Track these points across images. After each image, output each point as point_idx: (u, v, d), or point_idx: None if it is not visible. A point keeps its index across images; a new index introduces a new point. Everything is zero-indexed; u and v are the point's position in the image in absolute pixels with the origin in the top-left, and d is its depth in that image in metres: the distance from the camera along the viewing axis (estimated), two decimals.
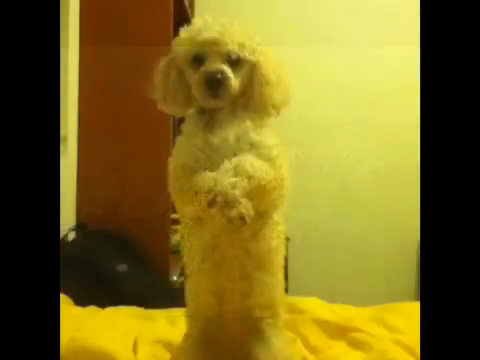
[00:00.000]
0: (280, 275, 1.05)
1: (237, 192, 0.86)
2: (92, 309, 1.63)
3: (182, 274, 2.03)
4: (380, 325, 1.46)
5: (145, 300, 1.80)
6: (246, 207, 0.87)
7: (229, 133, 0.96)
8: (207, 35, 0.95)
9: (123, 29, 2.18)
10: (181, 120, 1.09)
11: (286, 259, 1.09)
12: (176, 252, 2.05)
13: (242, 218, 0.86)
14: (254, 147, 0.96)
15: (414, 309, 1.42)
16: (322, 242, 3.33)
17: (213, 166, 0.92)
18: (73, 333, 1.30)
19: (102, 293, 1.81)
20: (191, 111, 1.04)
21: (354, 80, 3.31)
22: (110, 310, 1.62)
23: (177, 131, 2.05)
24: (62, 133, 1.96)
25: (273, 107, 1.01)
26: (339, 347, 1.34)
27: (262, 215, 0.97)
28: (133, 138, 2.18)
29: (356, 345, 1.32)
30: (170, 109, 1.04)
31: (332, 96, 3.31)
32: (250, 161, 0.91)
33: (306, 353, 1.30)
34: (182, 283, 1.67)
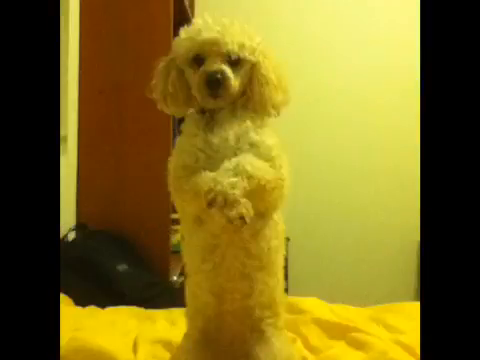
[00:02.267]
0: (280, 275, 1.05)
1: (237, 192, 0.86)
2: (92, 309, 1.63)
3: (182, 274, 2.03)
4: (380, 325, 1.46)
5: (145, 300, 1.80)
6: (246, 207, 0.87)
7: (229, 133, 0.96)
8: (207, 35, 0.95)
9: (123, 29, 2.18)
10: (181, 120, 1.09)
11: (286, 259, 1.09)
12: (176, 252, 2.05)
13: (242, 218, 0.86)
14: (254, 147, 0.96)
15: (414, 309, 1.42)
16: (322, 242, 3.33)
17: (213, 166, 0.92)
18: (73, 333, 1.30)
19: (102, 293, 1.81)
20: (191, 111, 1.04)
21: (354, 80, 3.31)
22: (110, 310, 1.62)
23: (177, 131, 2.06)
24: (62, 133, 1.96)
25: (273, 107, 1.01)
26: (339, 347, 1.33)
27: (262, 215, 0.97)
28: (133, 138, 2.18)
29: (356, 345, 1.32)
30: (170, 109, 1.04)
31: (332, 96, 3.31)
32: (250, 161, 0.91)
33: (306, 353, 1.30)
34: (182, 283, 1.67)
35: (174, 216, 2.05)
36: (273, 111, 1.01)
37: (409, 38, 3.06)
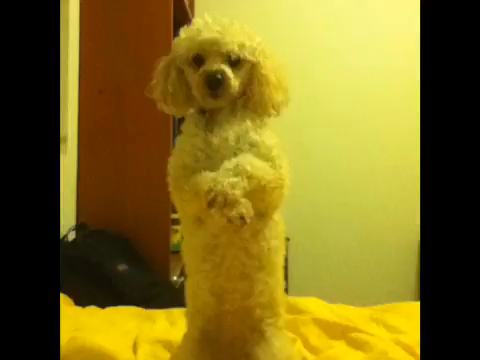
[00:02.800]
0: (280, 275, 1.05)
1: (237, 192, 0.86)
2: (92, 309, 1.63)
3: (182, 274, 2.03)
4: (380, 325, 1.46)
5: (145, 300, 1.80)
6: (246, 207, 0.87)
7: (229, 133, 0.96)
8: (207, 35, 0.95)
9: (123, 29, 2.18)
10: (181, 120, 1.09)
11: (286, 259, 1.09)
12: (176, 252, 2.05)
13: (242, 218, 0.86)
14: (254, 147, 0.96)
15: (414, 309, 1.42)
16: (322, 242, 3.33)
17: (213, 166, 0.92)
18: (73, 333, 1.30)
19: (102, 293, 1.81)
20: (191, 111, 1.04)
21: (354, 80, 3.31)
22: (110, 310, 1.62)
23: (177, 131, 2.06)
24: (62, 133, 1.97)
25: (273, 107, 1.01)
26: (339, 347, 1.33)
27: (262, 215, 0.97)
28: (133, 138, 2.18)
29: (356, 345, 1.32)
30: (170, 109, 1.04)
31: (332, 96, 3.31)
32: (250, 161, 0.91)
33: (306, 353, 1.30)
34: (182, 283, 1.67)
35: (174, 216, 2.05)
36: (273, 111, 1.01)
37: (409, 38, 3.06)
